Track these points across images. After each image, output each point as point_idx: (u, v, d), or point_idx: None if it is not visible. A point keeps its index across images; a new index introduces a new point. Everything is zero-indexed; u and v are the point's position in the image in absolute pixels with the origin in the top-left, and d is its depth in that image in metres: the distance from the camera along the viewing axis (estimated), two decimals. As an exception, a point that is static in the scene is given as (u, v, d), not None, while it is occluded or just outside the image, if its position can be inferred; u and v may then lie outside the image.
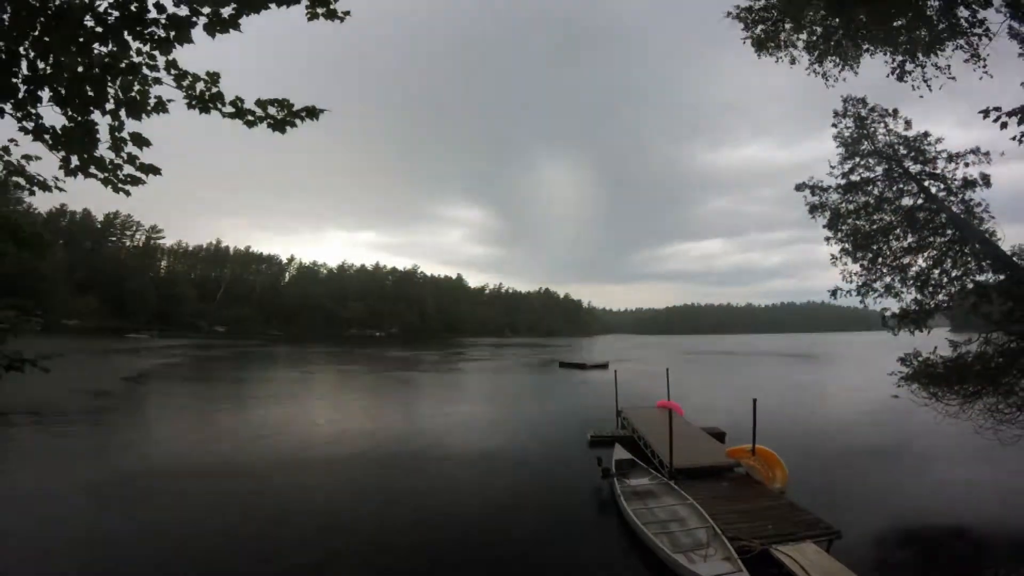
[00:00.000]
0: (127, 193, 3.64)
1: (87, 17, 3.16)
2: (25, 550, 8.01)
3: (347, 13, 3.46)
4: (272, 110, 3.60)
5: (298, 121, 3.65)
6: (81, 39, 3.15)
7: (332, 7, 3.43)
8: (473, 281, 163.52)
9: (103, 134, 3.43)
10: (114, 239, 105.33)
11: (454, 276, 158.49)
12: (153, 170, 3.60)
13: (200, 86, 3.51)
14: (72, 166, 3.45)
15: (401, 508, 10.32)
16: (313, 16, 3.45)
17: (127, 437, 15.75)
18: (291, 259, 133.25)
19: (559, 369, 44.91)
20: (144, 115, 3.43)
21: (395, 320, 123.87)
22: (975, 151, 7.43)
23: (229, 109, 3.57)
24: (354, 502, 10.65)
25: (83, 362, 34.41)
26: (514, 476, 12.59)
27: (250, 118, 3.59)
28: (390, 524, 9.49)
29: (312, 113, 3.63)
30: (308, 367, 41.68)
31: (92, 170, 3.48)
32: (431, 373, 39.75)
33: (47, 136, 3.35)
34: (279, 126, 3.62)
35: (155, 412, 20.72)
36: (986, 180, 7.30)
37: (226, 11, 3.27)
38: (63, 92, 3.21)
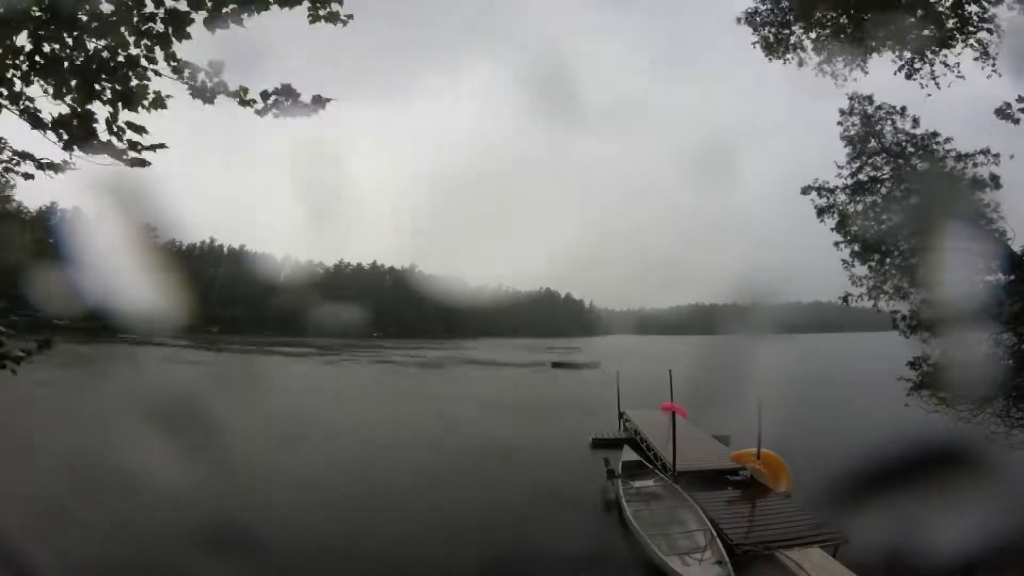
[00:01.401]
0: (142, 165, 3.60)
1: (82, 11, 3.14)
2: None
3: (350, 16, 3.48)
4: (276, 98, 3.53)
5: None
6: (76, 32, 3.15)
7: (334, 10, 3.45)
8: (473, 281, 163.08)
9: (101, 124, 3.41)
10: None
11: (453, 275, 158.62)
12: (160, 147, 3.52)
13: (201, 76, 3.43)
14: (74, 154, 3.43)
15: (400, 509, 10.40)
16: (315, 19, 3.46)
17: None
18: (286, 257, 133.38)
19: (559, 370, 45.01)
20: (142, 107, 3.39)
21: (393, 320, 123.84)
22: (984, 152, 7.46)
23: (233, 100, 3.51)
24: (350, 502, 10.76)
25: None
26: (514, 478, 12.65)
27: (256, 107, 3.52)
28: (388, 523, 9.62)
29: (319, 101, 3.56)
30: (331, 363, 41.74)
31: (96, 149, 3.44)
32: (431, 375, 39.81)
33: (45, 122, 3.33)
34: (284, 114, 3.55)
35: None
36: (996, 181, 7.33)
37: (227, 8, 3.24)
38: (61, 84, 3.21)
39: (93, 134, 3.39)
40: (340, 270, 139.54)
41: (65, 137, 3.37)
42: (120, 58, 3.30)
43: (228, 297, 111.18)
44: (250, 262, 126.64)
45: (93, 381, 29.62)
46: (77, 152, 3.46)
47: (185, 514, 9.41)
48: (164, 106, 3.45)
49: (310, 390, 29.95)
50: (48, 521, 8.65)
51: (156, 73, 3.37)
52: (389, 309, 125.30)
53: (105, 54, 3.26)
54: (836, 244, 8.25)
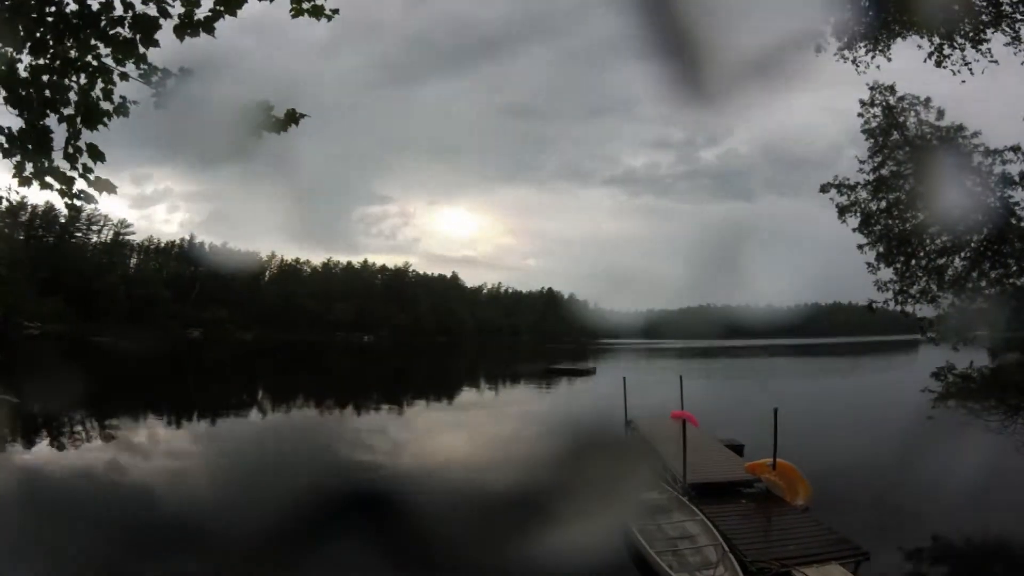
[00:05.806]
0: (78, 210, 3.57)
1: (46, 12, 3.10)
2: None
3: (335, 11, 3.40)
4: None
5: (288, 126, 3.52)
6: (38, 35, 3.09)
7: (318, 3, 3.37)
8: (470, 280, 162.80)
9: (58, 142, 3.36)
10: (80, 234, 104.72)
11: (448, 275, 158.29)
12: (108, 187, 3.49)
13: (171, 83, 3.38)
14: (26, 173, 3.39)
15: (399, 516, 10.51)
16: (298, 13, 3.41)
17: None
18: (272, 256, 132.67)
19: (560, 375, 45.00)
20: (102, 124, 3.37)
21: (386, 322, 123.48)
22: (1015, 149, 7.42)
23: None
24: (352, 508, 10.95)
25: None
26: (513, 489, 12.62)
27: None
28: (388, 529, 9.88)
29: (293, 118, 3.50)
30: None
31: (48, 179, 3.41)
32: (429, 378, 39.76)
33: (2, 138, 3.29)
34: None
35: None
36: None
37: (201, 12, 3.23)
38: (20, 92, 3.15)
39: (48, 152, 3.32)
40: (328, 268, 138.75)
41: (18, 159, 3.29)
42: (88, 59, 3.24)
43: (209, 298, 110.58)
44: (233, 260, 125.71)
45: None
46: (30, 169, 3.38)
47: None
48: (126, 114, 3.42)
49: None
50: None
51: (125, 77, 3.32)
52: (380, 311, 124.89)
53: (73, 53, 3.20)
54: (860, 247, 8.20)
